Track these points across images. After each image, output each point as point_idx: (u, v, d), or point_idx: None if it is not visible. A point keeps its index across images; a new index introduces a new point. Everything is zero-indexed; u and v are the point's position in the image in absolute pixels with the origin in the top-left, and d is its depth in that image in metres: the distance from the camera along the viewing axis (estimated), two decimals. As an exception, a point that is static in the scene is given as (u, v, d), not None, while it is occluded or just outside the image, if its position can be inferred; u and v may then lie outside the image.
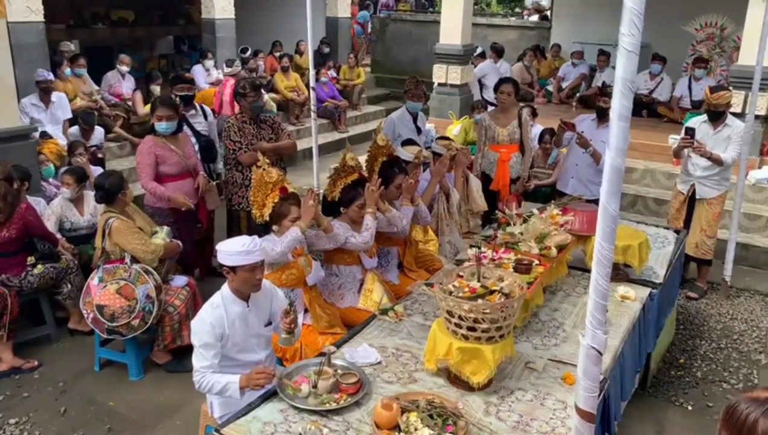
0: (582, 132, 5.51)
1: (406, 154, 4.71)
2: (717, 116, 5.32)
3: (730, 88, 5.80)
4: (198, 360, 2.88)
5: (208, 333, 2.86)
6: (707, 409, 4.11)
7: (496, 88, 5.84)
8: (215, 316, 2.90)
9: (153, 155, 4.77)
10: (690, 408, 4.11)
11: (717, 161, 5.26)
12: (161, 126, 4.79)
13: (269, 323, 3.14)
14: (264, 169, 3.65)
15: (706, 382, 4.40)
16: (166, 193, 4.78)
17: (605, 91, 5.67)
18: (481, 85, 9.15)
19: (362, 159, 4.40)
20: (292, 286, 3.63)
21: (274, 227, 3.64)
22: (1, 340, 4.27)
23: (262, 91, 5.90)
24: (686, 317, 5.29)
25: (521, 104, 6.15)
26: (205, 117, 5.74)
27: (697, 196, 5.48)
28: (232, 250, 2.88)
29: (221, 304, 2.95)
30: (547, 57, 11.31)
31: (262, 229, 3.69)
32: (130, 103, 8.09)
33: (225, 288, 2.99)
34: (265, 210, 3.62)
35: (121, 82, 8.38)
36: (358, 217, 3.98)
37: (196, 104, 5.78)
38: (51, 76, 6.66)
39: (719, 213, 5.52)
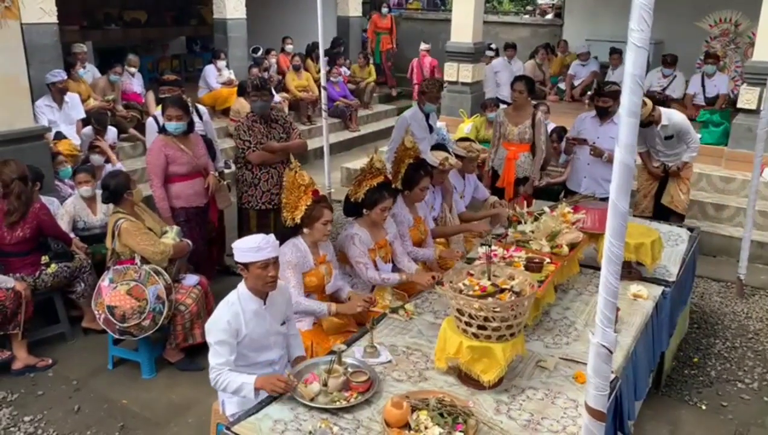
0: (581, 133, 5.53)
1: (432, 158, 4.70)
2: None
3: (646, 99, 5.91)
4: (214, 357, 2.88)
5: (223, 330, 2.86)
6: (721, 408, 4.07)
7: (511, 86, 5.85)
8: (232, 314, 2.90)
9: (163, 156, 4.78)
10: (704, 408, 4.07)
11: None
12: (171, 125, 4.81)
13: (284, 322, 3.16)
14: (296, 172, 3.63)
15: (720, 382, 4.36)
16: (169, 212, 4.79)
17: (601, 91, 5.63)
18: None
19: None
20: (309, 292, 3.63)
21: (305, 230, 3.63)
22: (16, 338, 4.31)
23: (273, 92, 5.85)
24: (700, 316, 5.24)
25: (534, 102, 6.13)
26: (200, 117, 5.76)
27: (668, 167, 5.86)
28: (244, 247, 2.91)
29: (237, 301, 2.95)
30: (557, 54, 11.25)
31: (290, 232, 3.67)
32: (143, 102, 8.16)
33: (241, 286, 3.00)
34: (297, 212, 3.60)
35: (132, 80, 8.47)
36: (379, 220, 3.97)
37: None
38: (65, 75, 6.72)
39: (688, 177, 5.92)
